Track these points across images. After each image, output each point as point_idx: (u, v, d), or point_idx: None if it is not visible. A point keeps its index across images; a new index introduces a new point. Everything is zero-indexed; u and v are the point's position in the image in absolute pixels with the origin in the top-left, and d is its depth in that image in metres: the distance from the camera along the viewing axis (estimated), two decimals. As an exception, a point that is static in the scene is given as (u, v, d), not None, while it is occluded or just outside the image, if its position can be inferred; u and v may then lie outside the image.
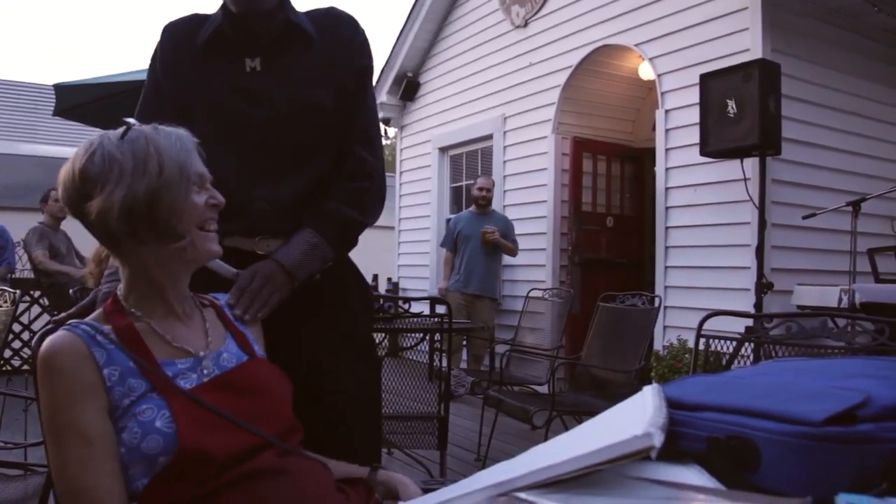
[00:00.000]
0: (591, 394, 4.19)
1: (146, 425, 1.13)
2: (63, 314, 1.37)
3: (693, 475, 0.80)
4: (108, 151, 1.21)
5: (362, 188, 1.74)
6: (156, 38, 1.74)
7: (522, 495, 0.72)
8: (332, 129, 1.72)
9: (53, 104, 6.16)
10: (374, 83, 1.85)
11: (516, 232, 6.59)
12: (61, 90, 5.93)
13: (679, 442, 0.88)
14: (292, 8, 1.71)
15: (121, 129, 1.25)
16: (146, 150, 1.22)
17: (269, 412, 1.27)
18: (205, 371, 1.26)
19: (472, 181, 7.05)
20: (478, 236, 6.34)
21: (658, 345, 5.06)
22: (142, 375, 1.18)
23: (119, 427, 1.14)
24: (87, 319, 1.23)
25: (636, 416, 0.85)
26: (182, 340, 1.28)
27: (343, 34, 1.73)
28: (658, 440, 0.71)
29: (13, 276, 6.76)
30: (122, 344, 1.20)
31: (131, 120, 1.27)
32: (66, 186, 1.23)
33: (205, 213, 1.29)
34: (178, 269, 1.30)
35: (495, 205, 6.83)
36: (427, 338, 4.39)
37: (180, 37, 1.72)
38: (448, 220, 7.66)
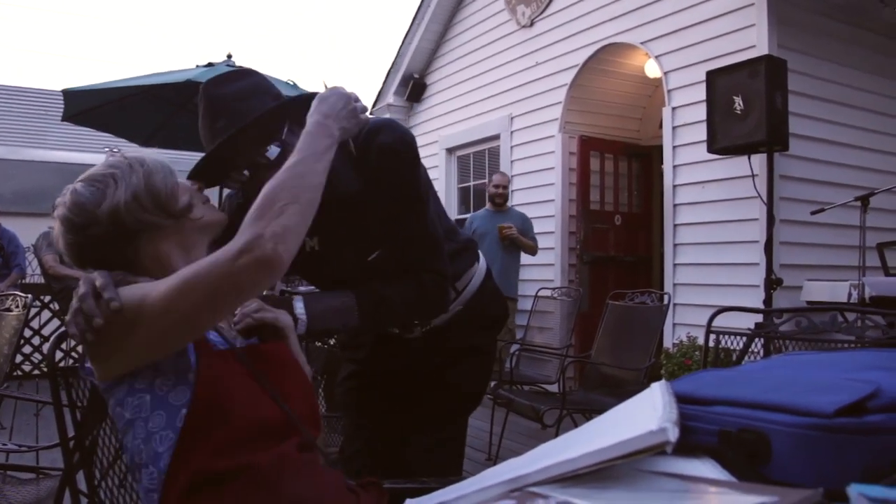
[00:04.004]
0: (601, 392, 4.19)
1: (180, 375, 1.19)
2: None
3: (706, 469, 0.81)
4: (89, 179, 1.30)
5: (421, 294, 1.76)
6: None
7: (537, 490, 0.73)
8: (400, 254, 1.76)
9: (62, 110, 6.17)
10: (423, 181, 1.78)
11: (526, 231, 6.57)
12: (70, 95, 5.93)
13: (691, 436, 0.88)
14: (341, 174, 1.63)
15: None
16: (123, 159, 1.32)
17: (297, 393, 1.31)
18: (236, 343, 1.32)
19: (480, 181, 6.98)
20: (493, 234, 6.12)
21: (668, 342, 5.06)
22: None
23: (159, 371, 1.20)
24: None
25: (647, 412, 0.86)
26: None
27: (384, 167, 1.66)
28: (673, 435, 0.72)
29: (24, 281, 6.80)
30: None
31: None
32: (65, 236, 1.30)
33: (195, 193, 1.39)
34: (196, 246, 1.36)
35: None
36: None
37: None
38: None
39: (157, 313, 1.13)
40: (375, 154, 1.64)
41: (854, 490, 0.66)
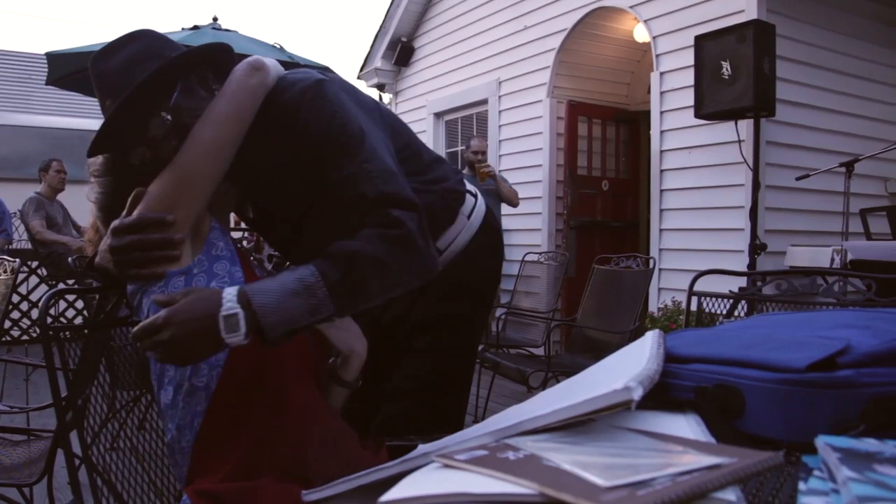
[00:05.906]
0: (587, 355, 4.23)
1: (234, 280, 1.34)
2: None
3: (687, 425, 0.83)
4: None
5: (391, 235, 1.30)
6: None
7: (510, 441, 0.76)
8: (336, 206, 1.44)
9: (46, 73, 6.10)
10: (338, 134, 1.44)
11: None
12: (54, 59, 5.86)
13: (670, 393, 0.91)
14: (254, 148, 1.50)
15: None
16: None
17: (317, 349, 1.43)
18: None
19: (465, 146, 6.94)
20: None
21: (653, 306, 5.11)
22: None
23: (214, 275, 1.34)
24: None
25: (632, 364, 0.88)
26: None
27: (291, 124, 1.44)
28: (637, 394, 0.74)
29: (10, 246, 6.78)
30: None
31: None
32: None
33: None
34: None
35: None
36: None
37: None
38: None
39: (194, 154, 1.37)
40: (275, 117, 1.46)
41: (821, 441, 0.69)
